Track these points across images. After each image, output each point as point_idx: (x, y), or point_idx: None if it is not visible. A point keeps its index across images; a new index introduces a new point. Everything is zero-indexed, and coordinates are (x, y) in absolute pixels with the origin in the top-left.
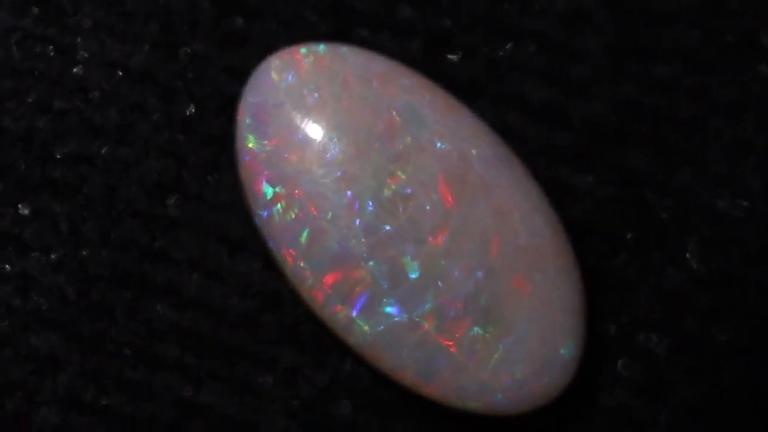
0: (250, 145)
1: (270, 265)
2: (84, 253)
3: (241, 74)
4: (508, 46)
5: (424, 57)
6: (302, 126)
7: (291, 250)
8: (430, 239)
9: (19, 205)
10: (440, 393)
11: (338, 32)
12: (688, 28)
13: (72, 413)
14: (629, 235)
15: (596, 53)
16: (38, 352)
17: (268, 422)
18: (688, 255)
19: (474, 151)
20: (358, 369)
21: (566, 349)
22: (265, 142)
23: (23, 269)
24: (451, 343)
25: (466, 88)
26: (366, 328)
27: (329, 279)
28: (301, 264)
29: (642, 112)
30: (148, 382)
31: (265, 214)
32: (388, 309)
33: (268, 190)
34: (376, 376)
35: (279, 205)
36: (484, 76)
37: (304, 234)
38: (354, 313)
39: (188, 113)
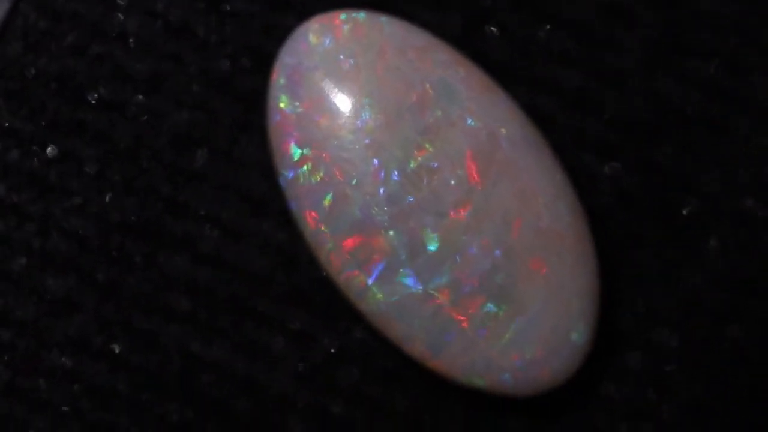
0: (282, 105)
1: (289, 226)
2: (107, 199)
3: (278, 34)
4: (547, 29)
5: (463, 33)
6: (335, 91)
7: (313, 213)
8: (452, 213)
9: (48, 147)
10: (447, 367)
11: (379, 1)
12: (728, 29)
13: (82, 357)
14: (650, 229)
15: (635, 46)
16: (53, 293)
17: (275, 383)
18: (707, 253)
19: (504, 131)
20: (367, 337)
21: (578, 333)
22: (297, 103)
23: (46, 210)
24: (463, 318)
25: (502, 68)
26: (380, 296)
27: (348, 244)
28: (322, 228)
29: (675, 109)
30: (158, 333)
31: (291, 174)
32: (405, 279)
33: (296, 152)
34: (385, 346)
35: (305, 167)
36: (520, 58)
37: (328, 198)
38: (370, 281)
39: (223, 69)
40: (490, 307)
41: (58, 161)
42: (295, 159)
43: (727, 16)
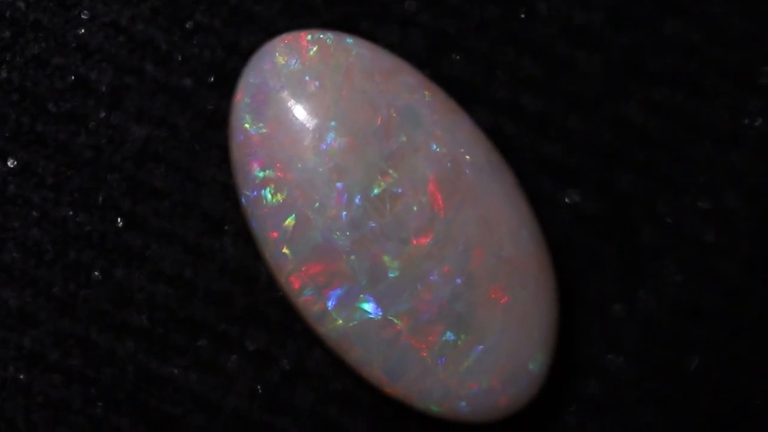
0: (246, 125)
1: (249, 246)
2: (66, 212)
3: (241, 53)
4: (510, 53)
5: (428, 54)
6: (300, 113)
7: (274, 234)
8: (414, 240)
9: (9, 159)
10: (404, 393)
11: (344, 20)
12: (691, 53)
13: (35, 371)
14: (608, 257)
15: (597, 70)
16: (7, 306)
17: (228, 401)
18: (666, 282)
19: (468, 157)
20: (325, 359)
21: (535, 363)
22: (261, 124)
23: (3, 222)
24: (422, 346)
25: (465, 89)
26: (339, 321)
27: (308, 268)
28: (283, 249)
29: (637, 134)
30: (113, 348)
31: (254, 194)
32: (364, 305)
33: (259, 173)
34: (342, 369)
35: (268, 188)
36: (483, 81)
37: (289, 219)
38: (329, 305)
39: (185, 85)
40: (449, 335)
41: (18, 173)
42: (258, 180)
43: (689, 41)
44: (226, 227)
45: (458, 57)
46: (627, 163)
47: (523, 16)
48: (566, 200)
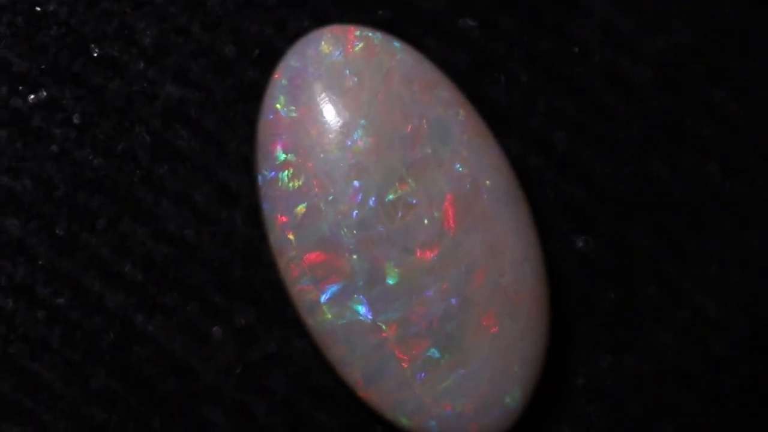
0: (278, 106)
1: (256, 224)
2: (85, 154)
3: (289, 34)
4: (551, 87)
5: (469, 74)
6: (333, 105)
7: (283, 218)
8: (418, 252)
9: (39, 91)
10: (377, 400)
11: (394, 23)
12: (732, 126)
13: (21, 303)
14: (606, 306)
15: (634, 121)
16: (8, 234)
17: (206, 373)
18: (657, 342)
19: (488, 183)
20: (308, 351)
21: (512, 398)
22: (293, 107)
23: (22, 151)
24: (405, 357)
25: (500, 116)
26: (329, 316)
27: (310, 258)
28: (288, 235)
29: (661, 192)
30: (103, 296)
31: (271, 174)
32: (357, 305)
33: (281, 155)
34: (323, 364)
35: (286, 172)
36: (519, 110)
37: (300, 207)
38: (322, 298)
39: (227, 53)
40: (433, 352)
41: (45, 107)
42: (278, 161)
43: (730, 113)
44: (238, 201)
45: (499, 82)
46: (643, 218)
47: (575, 50)
48: (579, 244)
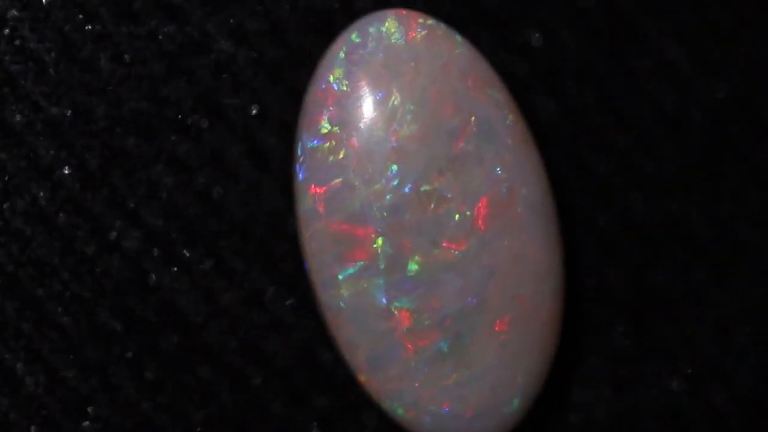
0: (331, 77)
1: (287, 191)
2: (130, 93)
3: (354, 9)
4: (607, 113)
5: (526, 82)
6: (386, 86)
7: (316, 189)
8: (444, 247)
9: (93, 23)
10: (376, 387)
11: (461, 21)
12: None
13: (38, 227)
14: (615, 340)
15: (677, 160)
16: (36, 157)
17: (208, 332)
18: (656, 385)
19: (524, 191)
20: (317, 327)
21: (509, 408)
22: (347, 82)
23: (68, 78)
24: (412, 348)
25: (548, 129)
26: (345, 293)
27: (336, 233)
28: (319, 207)
29: (688, 238)
30: (119, 236)
31: (313, 143)
32: (373, 289)
33: (325, 125)
34: (328, 342)
35: (328, 144)
36: (568, 127)
37: (337, 181)
38: (341, 276)
39: (286, 18)
40: (441, 348)
41: (98, 40)
42: (322, 132)
43: None
44: (271, 165)
45: (550, 96)
46: (667, 259)
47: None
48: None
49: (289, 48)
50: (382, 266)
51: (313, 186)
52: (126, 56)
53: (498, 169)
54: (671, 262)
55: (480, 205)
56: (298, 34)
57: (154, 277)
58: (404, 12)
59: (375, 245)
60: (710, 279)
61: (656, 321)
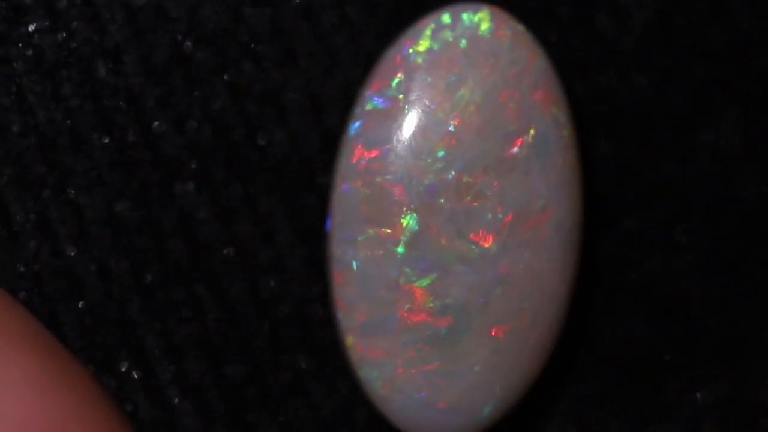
0: (412, 49)
1: (331, 143)
2: (185, 36)
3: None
4: (660, 159)
5: (594, 115)
6: (462, 70)
7: (364, 148)
8: (468, 239)
9: None
10: (359, 354)
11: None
12: None
13: (78, 152)
14: (616, 390)
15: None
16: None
17: (212, 255)
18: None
19: (558, 213)
20: (318, 278)
21: (480, 413)
22: (420, 60)
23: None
24: (407, 325)
25: (597, 162)
26: (360, 254)
27: (367, 198)
28: (361, 166)
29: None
30: (150, 146)
31: (376, 102)
32: (389, 259)
33: (392, 91)
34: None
35: (390, 107)
36: (620, 167)
37: (386, 146)
38: (360, 237)
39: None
40: (436, 334)
41: (145, 9)
42: (388, 95)
43: None
44: (328, 116)
45: (613, 136)
46: (667, 334)
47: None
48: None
49: (377, 17)
50: (404, 240)
51: (361, 145)
52: (180, 25)
53: (539, 185)
54: (670, 336)
55: (511, 214)
56: (390, 8)
57: (177, 191)
58: (498, 10)
59: (403, 218)
60: (731, 345)
61: (638, 382)
